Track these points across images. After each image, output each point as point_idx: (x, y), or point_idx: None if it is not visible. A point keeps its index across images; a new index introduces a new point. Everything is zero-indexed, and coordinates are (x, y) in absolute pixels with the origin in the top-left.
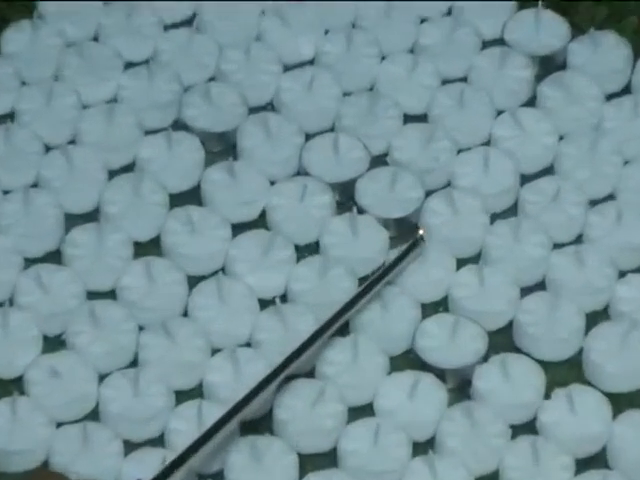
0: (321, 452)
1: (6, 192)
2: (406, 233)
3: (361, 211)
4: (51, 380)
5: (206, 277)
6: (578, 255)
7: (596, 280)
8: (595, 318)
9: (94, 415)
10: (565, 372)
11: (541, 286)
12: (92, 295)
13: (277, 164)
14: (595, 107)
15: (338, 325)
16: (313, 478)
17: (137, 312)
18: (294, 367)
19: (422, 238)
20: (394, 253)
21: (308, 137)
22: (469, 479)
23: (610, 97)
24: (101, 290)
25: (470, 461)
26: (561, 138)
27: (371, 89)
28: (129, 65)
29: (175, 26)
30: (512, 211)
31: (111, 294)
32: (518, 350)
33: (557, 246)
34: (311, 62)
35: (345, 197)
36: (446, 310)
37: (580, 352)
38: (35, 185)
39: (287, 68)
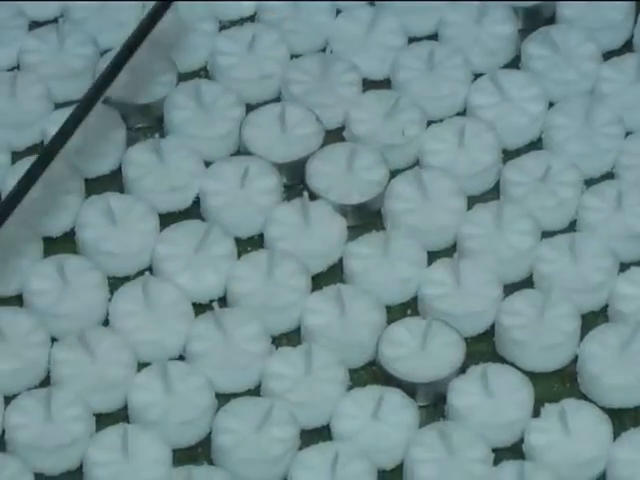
0: None
1: None
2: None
3: (314, 197)
4: None
5: (130, 278)
6: (572, 245)
7: (593, 275)
8: (592, 320)
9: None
10: (557, 385)
11: (528, 283)
12: None
13: (212, 141)
14: (590, 68)
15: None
16: None
17: (49, 321)
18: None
19: None
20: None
21: (249, 108)
22: None
23: (608, 56)
24: (5, 295)
25: None
26: (550, 106)
27: (324, 50)
28: (34, 25)
29: None
30: (493, 194)
31: (17, 300)
32: (501, 359)
33: (546, 235)
34: (252, 19)
35: (294, 180)
36: (416, 313)
37: (574, 361)
38: None
39: (223, 26)
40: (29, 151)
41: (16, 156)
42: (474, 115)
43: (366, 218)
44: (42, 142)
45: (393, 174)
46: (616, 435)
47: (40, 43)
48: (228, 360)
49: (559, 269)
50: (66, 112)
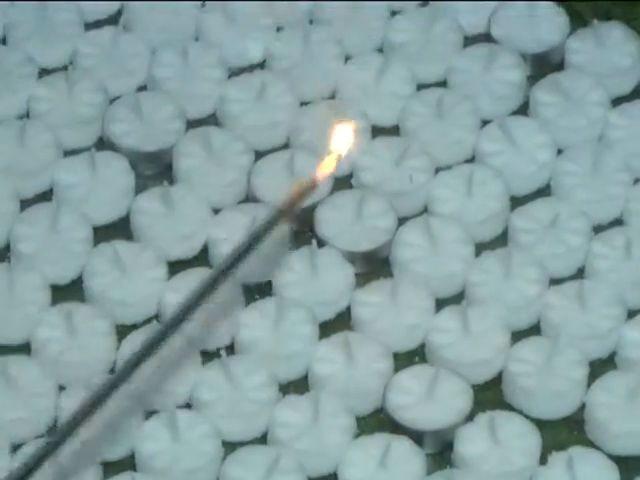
0: None
1: None
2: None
3: (322, 243)
4: None
5: (138, 326)
6: (580, 293)
7: (601, 322)
8: (600, 368)
9: None
10: (565, 432)
11: (536, 330)
12: (2, 350)
13: (221, 189)
14: (599, 115)
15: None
16: None
17: (57, 370)
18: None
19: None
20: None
21: (258, 156)
22: None
23: (617, 102)
24: (13, 344)
25: None
26: (559, 152)
27: (333, 97)
28: (44, 72)
29: (98, 25)
30: (501, 241)
31: (25, 348)
32: (509, 407)
33: (555, 282)
34: (261, 66)
35: (303, 227)
36: (423, 360)
37: (582, 408)
38: None
39: (233, 73)
40: (38, 199)
41: (24, 204)
42: (482, 162)
43: (374, 266)
44: (51, 190)
45: (401, 221)
46: None
47: (49, 90)
48: (235, 408)
49: (567, 316)
50: (75, 160)
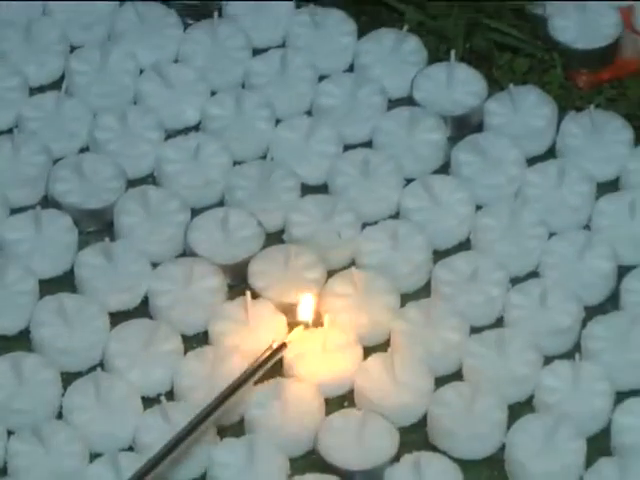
0: None
1: None
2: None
3: (256, 295)
4: None
5: (82, 374)
6: (498, 340)
7: (518, 368)
8: (518, 410)
9: None
10: (486, 472)
11: (458, 376)
12: None
13: (159, 244)
14: (516, 173)
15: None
16: None
17: (5, 415)
18: (169, 463)
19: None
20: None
21: (194, 213)
22: None
23: (532, 161)
24: None
25: None
26: (478, 208)
27: (264, 157)
28: None
29: (41, 90)
30: (425, 292)
31: None
32: (433, 448)
33: (475, 330)
34: (196, 128)
35: (237, 280)
36: (352, 405)
37: (502, 449)
38: None
39: (169, 135)
40: None
41: None
42: (407, 218)
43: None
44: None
45: (330, 274)
46: None
47: None
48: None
49: (487, 362)
50: (21, 217)
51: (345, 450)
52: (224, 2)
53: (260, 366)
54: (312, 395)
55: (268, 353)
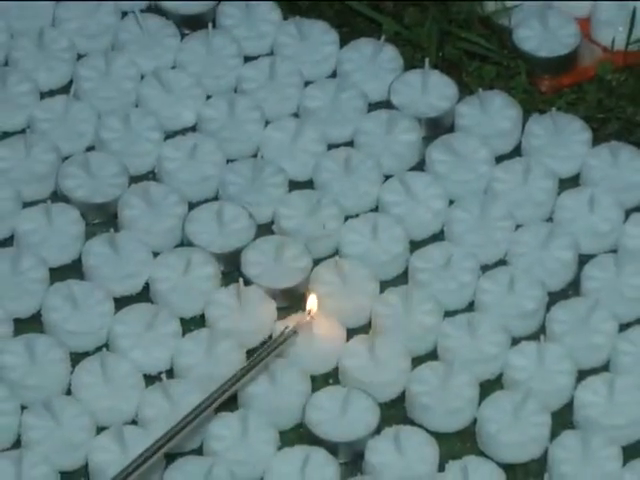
0: None
1: None
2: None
3: (248, 282)
4: None
5: (89, 354)
6: (470, 323)
7: (489, 348)
8: (488, 387)
9: None
10: (459, 444)
11: (433, 356)
12: None
13: (159, 235)
14: (485, 170)
15: (220, 401)
16: None
17: (19, 391)
18: (177, 442)
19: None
20: (282, 326)
21: (191, 206)
22: None
23: (500, 159)
24: None
25: None
26: (451, 203)
27: (255, 156)
28: (4, 135)
29: (51, 94)
30: (402, 279)
31: None
32: (411, 422)
33: (449, 314)
34: (193, 129)
35: (231, 268)
36: (337, 382)
37: (474, 423)
38: None
39: (168, 135)
40: (0, 244)
41: None
42: (385, 211)
43: (293, 300)
44: (12, 237)
45: (316, 262)
46: None
47: (9, 151)
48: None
49: (460, 343)
50: (33, 211)
51: (330, 424)
52: (218, 13)
53: (272, 351)
54: (299, 373)
55: (281, 339)
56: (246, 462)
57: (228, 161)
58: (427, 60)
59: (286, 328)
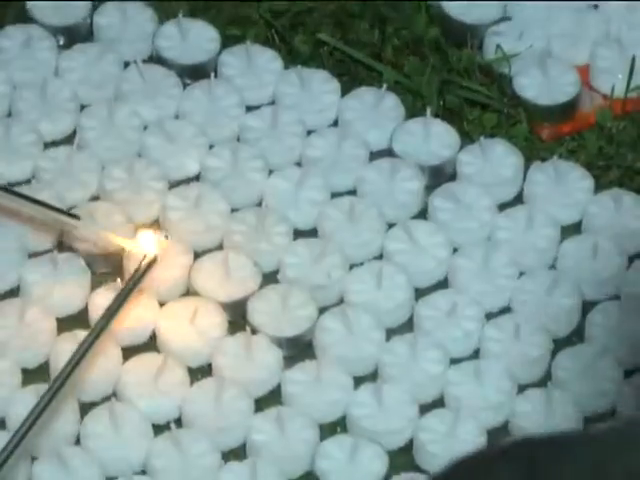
0: None
1: None
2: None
3: (254, 330)
4: None
5: (97, 403)
6: (476, 370)
7: (495, 396)
8: (495, 434)
9: None
10: None
11: (440, 403)
12: None
13: (166, 285)
14: (487, 218)
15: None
16: None
17: (28, 441)
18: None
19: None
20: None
21: (197, 256)
22: None
23: (502, 207)
24: None
25: None
26: (454, 251)
27: (259, 205)
28: (9, 186)
29: (55, 144)
30: (408, 326)
31: (0, 424)
32: (419, 470)
33: (454, 362)
34: (196, 178)
35: (237, 316)
36: (344, 430)
37: None
38: None
39: (172, 185)
40: (6, 295)
41: None
42: (389, 259)
43: (299, 349)
44: (18, 287)
45: (321, 311)
46: None
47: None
48: (184, 474)
49: (466, 391)
50: (39, 261)
51: (338, 473)
52: (219, 63)
53: (136, 283)
54: (308, 422)
55: (143, 269)
56: None
57: (232, 210)
58: (429, 109)
59: (144, 257)
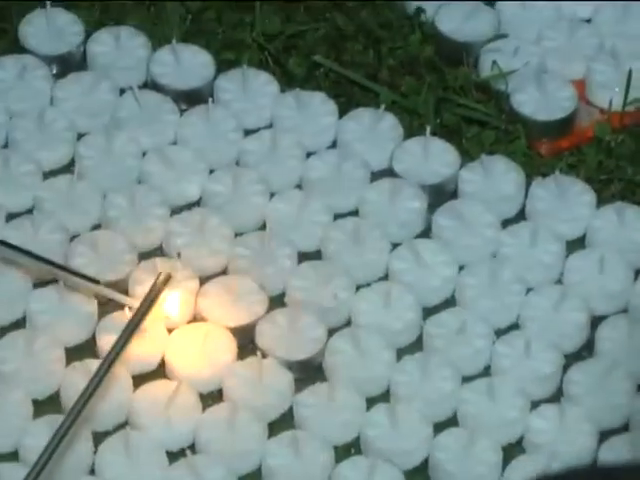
0: None
1: None
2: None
3: (263, 355)
4: None
5: (110, 433)
6: (489, 388)
7: (508, 412)
8: (511, 451)
9: None
10: None
11: (454, 422)
12: None
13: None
14: (491, 235)
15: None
16: None
17: (43, 473)
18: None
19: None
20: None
21: (202, 281)
22: None
23: (505, 224)
24: (2, 452)
25: None
26: (461, 268)
27: (263, 228)
28: (10, 217)
29: (53, 173)
30: (418, 346)
31: (13, 456)
32: None
33: (466, 379)
34: (198, 203)
35: (246, 340)
36: (359, 452)
37: None
38: None
39: (174, 211)
40: (13, 326)
41: (2, 331)
42: (396, 279)
43: (310, 371)
44: (24, 317)
45: (330, 332)
46: None
47: (17, 232)
48: None
49: (479, 409)
50: (45, 291)
51: None
52: (215, 88)
53: (152, 303)
54: (322, 445)
55: (158, 288)
56: None
57: (236, 235)
58: (428, 128)
59: (160, 275)
